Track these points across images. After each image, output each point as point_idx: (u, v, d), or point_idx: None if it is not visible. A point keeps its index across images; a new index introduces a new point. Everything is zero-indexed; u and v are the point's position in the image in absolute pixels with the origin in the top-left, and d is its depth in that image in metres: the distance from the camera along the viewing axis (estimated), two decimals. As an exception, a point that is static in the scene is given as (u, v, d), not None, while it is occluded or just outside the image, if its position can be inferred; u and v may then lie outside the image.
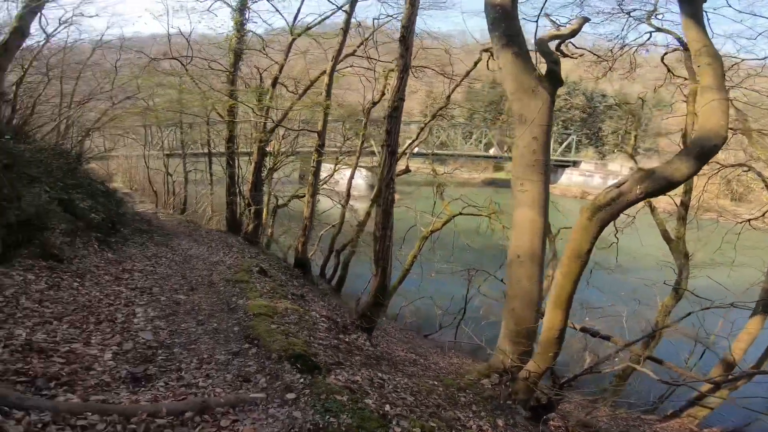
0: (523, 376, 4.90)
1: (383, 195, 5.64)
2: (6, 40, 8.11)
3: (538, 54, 5.22)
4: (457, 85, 12.54)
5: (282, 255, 15.38)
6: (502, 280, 10.54)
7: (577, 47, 9.96)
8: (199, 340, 4.41)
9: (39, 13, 8.97)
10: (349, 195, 12.15)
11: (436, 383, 5.29)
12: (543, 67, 5.06)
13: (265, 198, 14.50)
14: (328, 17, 12.17)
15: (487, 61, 11.76)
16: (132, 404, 2.96)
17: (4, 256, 5.27)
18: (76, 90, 14.01)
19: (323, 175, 17.72)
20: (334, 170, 16.27)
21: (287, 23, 12.83)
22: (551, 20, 7.84)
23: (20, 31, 8.29)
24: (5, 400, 2.61)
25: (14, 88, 12.53)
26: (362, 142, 12.33)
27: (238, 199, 13.94)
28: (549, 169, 4.86)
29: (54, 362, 3.33)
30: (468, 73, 12.47)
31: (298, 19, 12.49)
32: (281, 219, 16.45)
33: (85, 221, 8.10)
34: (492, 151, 34.80)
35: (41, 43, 11.02)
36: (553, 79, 4.85)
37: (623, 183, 3.99)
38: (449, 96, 12.44)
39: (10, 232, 5.54)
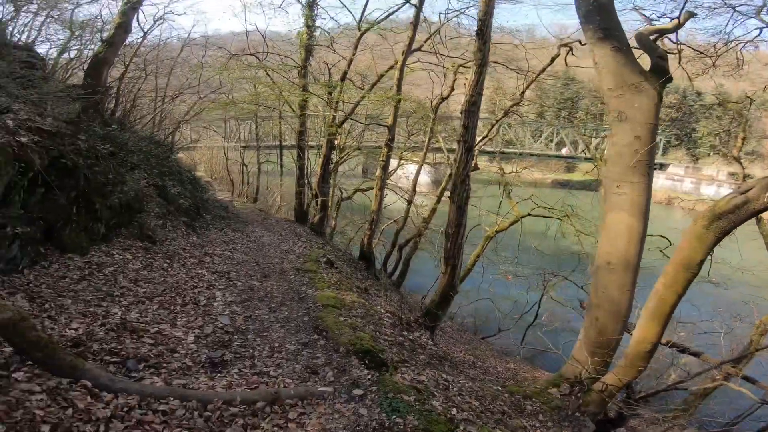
0: (599, 388, 4.45)
1: (458, 191, 5.33)
2: (112, 35, 8.80)
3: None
4: (532, 82, 11.73)
5: (344, 247, 15.64)
6: (582, 287, 9.77)
7: (673, 42, 8.81)
8: (271, 327, 4.47)
9: (138, 10, 9.63)
10: (414, 190, 11.91)
11: (500, 389, 4.95)
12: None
13: (330, 190, 14.77)
14: (394, 12, 11.96)
15: (565, 57, 10.91)
16: (209, 390, 3.01)
17: (107, 236, 5.78)
18: (169, 84, 15.18)
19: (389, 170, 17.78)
20: (399, 165, 16.12)
21: (355, 19, 12.83)
22: (641, 14, 7.04)
23: (123, 26, 8.95)
24: (97, 381, 2.73)
25: (117, 82, 13.93)
26: (429, 138, 11.99)
27: (306, 190, 14.33)
28: (652, 172, 4.26)
29: (144, 343, 3.51)
30: (545, 69, 11.62)
31: (365, 14, 12.43)
32: (344, 211, 16.69)
33: (175, 206, 8.73)
34: (564, 151, 32.40)
35: (139, 41, 11.96)
36: (661, 75, 4.25)
37: (749, 189, 3.35)
38: (523, 92, 11.67)
39: (114, 213, 6.06)
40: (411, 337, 5.21)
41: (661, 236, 8.77)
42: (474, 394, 4.32)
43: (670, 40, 8.34)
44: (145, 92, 15.11)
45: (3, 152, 4.21)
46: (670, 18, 6.04)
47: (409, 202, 11.69)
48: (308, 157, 14.41)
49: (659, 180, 34.43)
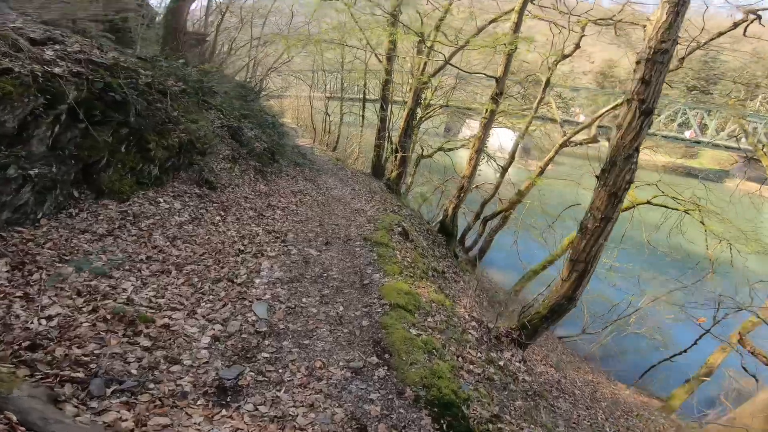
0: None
1: (616, 171, 3.33)
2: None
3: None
4: (697, 48, 8.40)
5: (418, 206, 14.15)
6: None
7: None
8: (316, 331, 3.14)
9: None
10: (513, 157, 9.66)
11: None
12: None
13: (411, 146, 12.97)
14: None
15: (746, 27, 7.62)
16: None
17: (160, 179, 4.83)
18: (262, 33, 14.39)
19: (470, 133, 15.36)
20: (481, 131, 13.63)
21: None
22: None
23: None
24: (25, 417, 1.61)
25: (214, 31, 13.37)
26: (540, 99, 9.41)
27: (386, 143, 12.73)
28: None
29: (136, 345, 2.36)
30: (720, 34, 8.21)
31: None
32: (421, 170, 15.00)
33: (248, 149, 7.75)
34: (688, 134, 25.97)
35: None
36: None
37: None
38: (683, 59, 8.37)
39: (171, 154, 5.08)
40: (501, 362, 3.59)
41: None
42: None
43: None
44: (241, 42, 14.87)
45: (18, 82, 3.18)
46: None
47: (505, 169, 9.52)
48: (391, 110, 12.63)
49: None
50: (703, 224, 9.48)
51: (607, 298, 9.68)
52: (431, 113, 12.74)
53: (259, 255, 4.26)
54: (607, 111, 8.94)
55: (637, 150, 3.34)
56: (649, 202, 10.09)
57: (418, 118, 11.51)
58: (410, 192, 14.32)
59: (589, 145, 9.11)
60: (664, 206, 9.92)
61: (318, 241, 5.21)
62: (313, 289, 3.82)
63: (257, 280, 3.70)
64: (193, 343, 2.64)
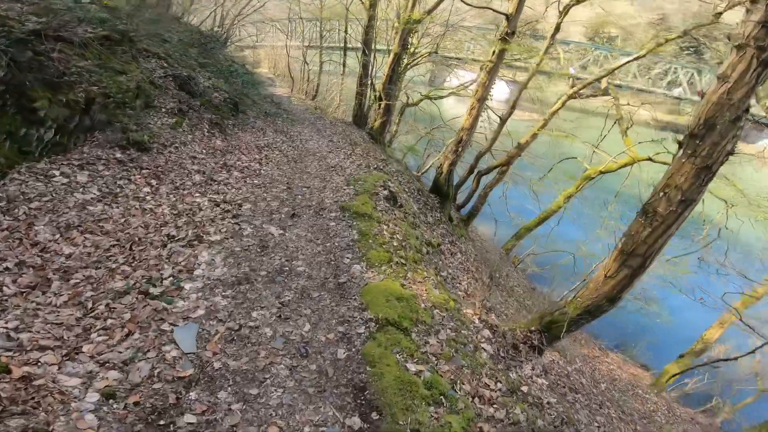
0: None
1: (714, 138, 2.17)
2: None
3: None
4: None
5: (403, 155, 12.97)
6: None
7: None
8: (271, 369, 2.09)
9: None
10: (513, 107, 8.33)
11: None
12: None
13: (396, 94, 11.41)
14: None
15: None
16: None
17: (60, 144, 3.43)
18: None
19: (465, 80, 13.81)
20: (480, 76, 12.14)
21: None
22: None
23: None
24: None
25: None
26: (549, 46, 7.88)
27: (369, 91, 11.14)
28: None
29: None
30: None
31: None
32: (406, 118, 13.65)
33: (202, 100, 6.23)
34: (677, 92, 24.76)
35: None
36: None
37: None
38: (720, 14, 6.78)
39: (74, 112, 3.64)
40: (524, 387, 2.66)
41: None
42: None
43: None
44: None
45: None
46: None
47: (503, 120, 8.23)
48: (374, 57, 10.88)
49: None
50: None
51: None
52: (418, 60, 11.08)
53: (195, 242, 3.06)
54: (627, 62, 7.64)
55: (746, 111, 2.22)
56: (650, 159, 9.17)
57: (403, 65, 9.88)
58: (395, 141, 13.00)
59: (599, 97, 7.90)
60: (665, 163, 9.01)
61: (282, 213, 4.00)
62: (269, 293, 2.69)
63: (187, 286, 2.55)
64: (72, 405, 1.54)
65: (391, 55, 9.25)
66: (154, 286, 2.47)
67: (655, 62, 24.44)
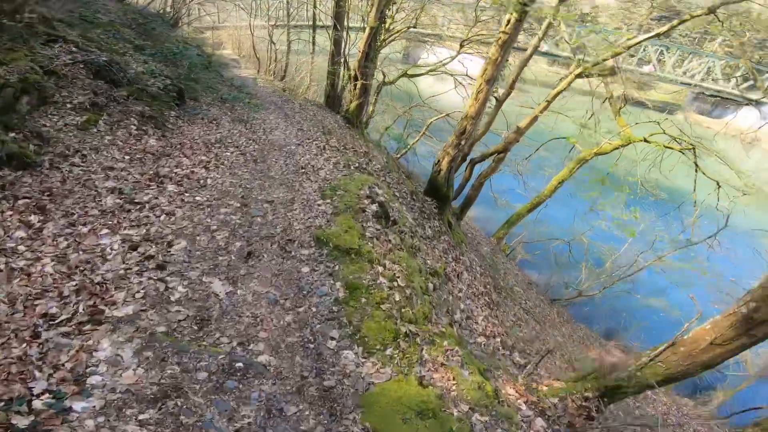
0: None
1: None
2: None
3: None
4: None
5: (380, 136, 11.83)
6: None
7: None
8: None
9: None
10: (512, 87, 7.17)
11: None
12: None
13: (373, 72, 10.04)
14: None
15: None
16: None
17: None
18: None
19: (435, 60, 12.57)
20: (459, 52, 10.94)
21: None
22: None
23: None
24: None
25: None
26: (550, 23, 6.68)
27: (342, 70, 9.73)
28: None
29: None
30: None
31: None
32: (382, 97, 12.40)
33: (130, 89, 4.80)
34: (648, 69, 24.29)
35: None
36: None
37: None
38: None
39: None
40: None
41: None
42: None
43: None
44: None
45: None
46: None
47: (500, 102, 7.12)
48: (348, 34, 9.41)
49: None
50: (697, 166, 8.02)
51: (606, 250, 8.28)
52: (395, 36, 9.72)
53: (90, 324, 1.88)
54: (646, 39, 6.65)
55: None
56: (645, 140, 8.40)
57: (381, 40, 8.53)
58: (371, 122, 11.71)
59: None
60: (670, 148, 8.23)
61: (232, 253, 2.83)
62: (216, 413, 1.59)
63: (77, 406, 1.43)
64: None
65: (367, 30, 7.86)
66: (19, 413, 1.31)
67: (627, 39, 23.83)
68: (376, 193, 4.44)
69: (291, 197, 3.96)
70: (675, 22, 6.25)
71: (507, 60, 5.43)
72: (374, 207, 3.98)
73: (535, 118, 7.11)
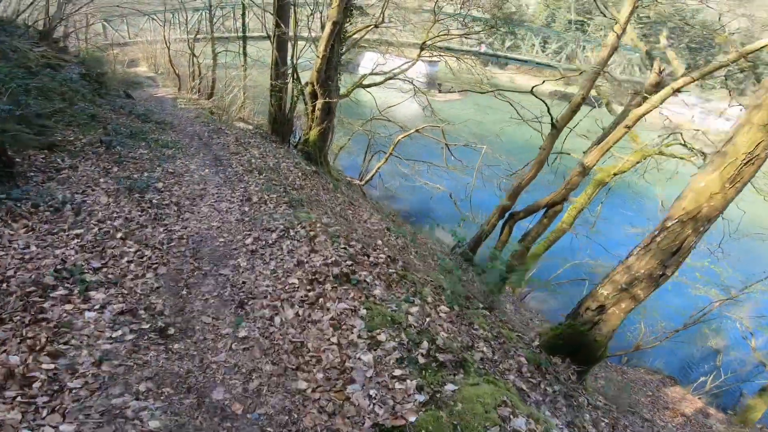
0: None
1: None
2: None
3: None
4: None
5: (333, 159, 9.49)
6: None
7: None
8: None
9: None
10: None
11: None
12: None
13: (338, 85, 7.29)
14: None
15: None
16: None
17: None
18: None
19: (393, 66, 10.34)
20: (418, 58, 8.91)
21: None
22: None
23: None
24: None
25: None
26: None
27: (291, 83, 6.84)
28: None
29: None
30: None
31: None
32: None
33: None
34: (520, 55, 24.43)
35: None
36: None
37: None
38: None
39: None
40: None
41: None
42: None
43: None
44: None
45: None
46: None
47: (559, 129, 4.98)
48: (295, 31, 6.53)
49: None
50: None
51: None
52: (361, 36, 7.16)
53: None
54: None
55: None
56: (661, 153, 6.92)
57: (347, 38, 5.93)
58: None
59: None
60: (679, 157, 6.82)
61: None
62: None
63: None
64: None
65: (328, 27, 5.21)
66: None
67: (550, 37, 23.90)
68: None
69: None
70: None
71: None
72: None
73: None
